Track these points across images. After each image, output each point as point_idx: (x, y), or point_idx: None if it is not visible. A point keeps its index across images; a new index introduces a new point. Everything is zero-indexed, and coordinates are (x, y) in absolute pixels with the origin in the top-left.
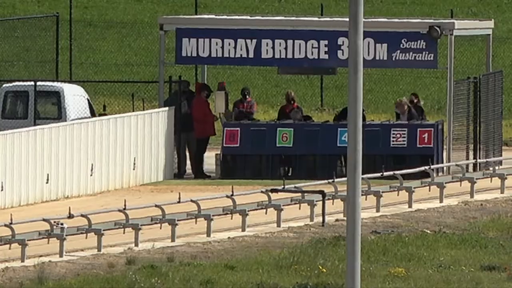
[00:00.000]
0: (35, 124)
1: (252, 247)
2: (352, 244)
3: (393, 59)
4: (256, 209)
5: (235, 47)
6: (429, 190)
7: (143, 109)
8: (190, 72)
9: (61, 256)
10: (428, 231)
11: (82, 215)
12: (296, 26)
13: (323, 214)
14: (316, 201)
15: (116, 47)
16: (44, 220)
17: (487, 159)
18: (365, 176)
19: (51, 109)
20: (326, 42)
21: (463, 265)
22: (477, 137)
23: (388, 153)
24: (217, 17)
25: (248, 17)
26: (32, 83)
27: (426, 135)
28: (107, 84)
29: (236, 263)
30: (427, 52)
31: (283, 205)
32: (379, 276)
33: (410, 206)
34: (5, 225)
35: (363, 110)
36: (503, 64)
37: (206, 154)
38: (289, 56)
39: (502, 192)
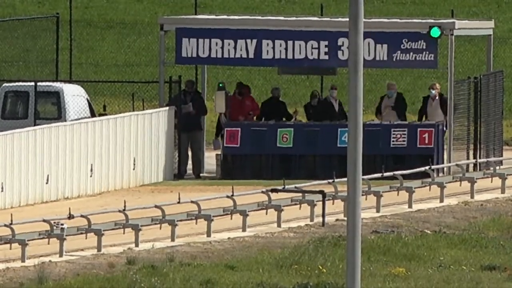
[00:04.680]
0: (35, 124)
1: (252, 247)
2: (352, 244)
3: (394, 59)
4: (257, 209)
5: (235, 48)
6: (430, 190)
7: (143, 109)
8: (190, 72)
9: (61, 256)
10: (428, 231)
11: (82, 216)
12: (296, 27)
13: (323, 214)
14: (316, 201)
15: (116, 47)
16: (44, 220)
17: (488, 159)
18: (365, 176)
19: (51, 109)
20: (326, 42)
21: (463, 265)
22: (478, 137)
23: (388, 153)
24: (217, 17)
25: (248, 17)
26: (32, 83)
27: (426, 135)
28: (107, 84)
29: (237, 263)
30: (427, 52)
31: (284, 205)
32: (379, 276)
33: (410, 206)
34: (5, 225)
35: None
36: (504, 64)
37: (206, 154)
38: (289, 56)
39: (502, 192)
